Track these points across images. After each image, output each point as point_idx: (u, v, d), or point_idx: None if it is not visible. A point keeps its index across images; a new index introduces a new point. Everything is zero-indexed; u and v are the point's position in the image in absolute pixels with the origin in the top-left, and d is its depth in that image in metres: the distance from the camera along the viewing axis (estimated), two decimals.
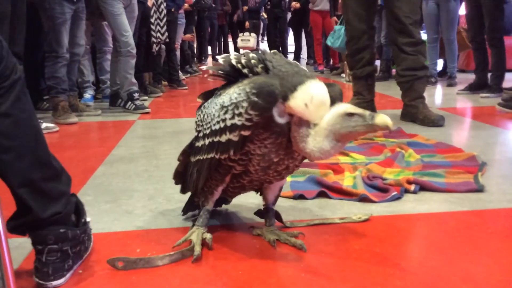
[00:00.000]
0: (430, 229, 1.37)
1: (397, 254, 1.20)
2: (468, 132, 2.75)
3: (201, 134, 1.24)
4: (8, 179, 1.03)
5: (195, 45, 8.40)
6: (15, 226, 1.06)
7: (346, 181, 1.72)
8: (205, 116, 1.23)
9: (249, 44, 10.21)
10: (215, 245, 1.25)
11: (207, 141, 1.20)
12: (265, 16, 10.93)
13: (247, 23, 10.18)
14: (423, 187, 1.65)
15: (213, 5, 9.00)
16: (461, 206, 1.50)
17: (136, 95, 3.77)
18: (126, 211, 1.53)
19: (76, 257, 1.12)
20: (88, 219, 1.23)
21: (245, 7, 10.22)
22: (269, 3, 9.71)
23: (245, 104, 1.09)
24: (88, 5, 3.52)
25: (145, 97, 4.49)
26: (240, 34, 10.34)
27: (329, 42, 5.73)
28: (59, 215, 1.06)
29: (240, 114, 1.10)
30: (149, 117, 3.54)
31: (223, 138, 1.14)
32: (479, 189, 1.63)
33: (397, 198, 1.56)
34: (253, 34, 10.04)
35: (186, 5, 6.46)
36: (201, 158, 1.23)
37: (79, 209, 1.19)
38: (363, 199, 1.55)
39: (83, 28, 3.52)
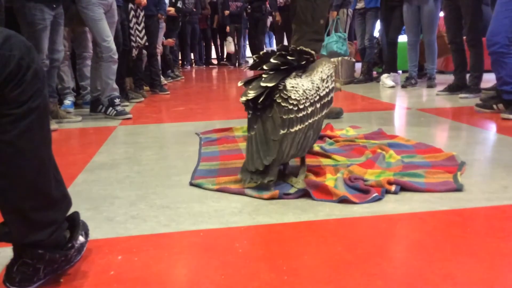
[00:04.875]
0: (411, 229, 1.39)
1: (378, 254, 1.21)
2: (448, 132, 2.79)
3: (308, 103, 1.72)
4: None
5: (178, 50, 8.38)
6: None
7: (328, 183, 1.72)
8: (306, 92, 1.72)
9: (230, 48, 10.27)
10: (197, 250, 1.25)
11: (318, 105, 1.76)
12: None
13: (227, 28, 10.21)
14: (403, 188, 1.66)
15: (194, 10, 8.99)
16: (441, 205, 1.52)
17: (117, 100, 3.74)
18: (107, 218, 1.51)
19: (48, 274, 1.09)
20: (80, 240, 1.19)
21: (227, 12, 10.24)
22: (249, 7, 9.72)
23: (333, 73, 1.85)
24: (67, 11, 3.49)
25: (126, 103, 4.46)
26: (229, 38, 10.40)
27: (335, 48, 5.76)
28: (40, 242, 1.03)
29: (333, 80, 1.84)
30: (130, 122, 3.52)
31: (330, 97, 1.81)
32: (459, 189, 1.65)
33: (378, 199, 1.58)
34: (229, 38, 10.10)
35: (172, 10, 6.46)
36: (315, 119, 1.75)
37: (74, 231, 1.16)
38: (343, 200, 1.56)
39: (62, 34, 3.49)
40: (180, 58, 9.50)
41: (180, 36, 8.45)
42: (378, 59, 6.22)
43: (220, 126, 3.06)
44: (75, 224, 1.17)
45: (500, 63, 3.08)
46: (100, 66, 3.67)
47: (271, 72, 1.72)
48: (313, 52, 1.82)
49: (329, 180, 1.74)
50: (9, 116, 0.94)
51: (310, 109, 1.72)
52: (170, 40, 6.81)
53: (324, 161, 2.04)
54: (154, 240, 1.33)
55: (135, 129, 3.22)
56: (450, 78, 4.81)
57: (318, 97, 1.75)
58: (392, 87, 5.28)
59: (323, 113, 1.79)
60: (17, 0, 3.09)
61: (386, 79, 5.38)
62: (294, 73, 1.76)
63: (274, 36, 10.76)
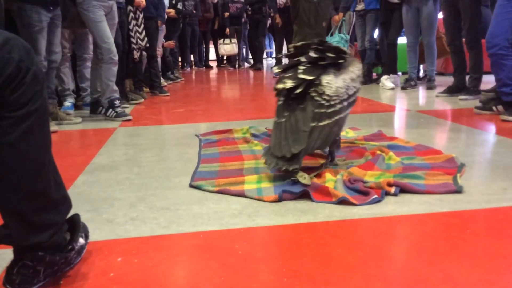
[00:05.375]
0: (411, 230, 1.39)
1: (378, 256, 1.21)
2: (447, 134, 2.79)
3: (338, 101, 1.80)
4: None
5: (178, 52, 8.37)
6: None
7: (327, 184, 1.72)
8: (338, 89, 1.79)
9: (230, 49, 10.25)
10: (196, 252, 1.25)
11: (346, 103, 1.84)
12: None
13: (227, 30, 10.22)
14: (403, 189, 1.66)
15: (194, 12, 8.99)
16: (440, 207, 1.52)
17: (117, 102, 3.74)
18: (107, 220, 1.51)
19: (48, 276, 1.09)
20: (80, 242, 1.19)
21: (227, 13, 10.25)
22: (250, 9, 9.73)
23: (361, 75, 1.93)
24: (68, 13, 3.49)
25: (126, 105, 4.46)
26: (220, 41, 10.38)
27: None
28: (41, 244, 1.04)
29: (360, 81, 1.92)
30: (130, 124, 3.52)
31: (355, 97, 1.90)
32: (458, 190, 1.65)
33: (378, 201, 1.58)
34: (234, 40, 10.09)
35: (172, 12, 6.47)
36: (341, 116, 1.84)
37: (75, 233, 1.16)
38: (343, 201, 1.57)
39: (59, 36, 3.49)
40: (180, 59, 9.51)
41: (180, 38, 8.46)
42: (376, 60, 6.22)
43: (220, 127, 3.06)
44: (75, 226, 1.17)
45: (499, 65, 3.08)
46: (100, 67, 3.68)
47: (308, 65, 1.80)
48: (349, 51, 1.90)
49: (329, 182, 1.74)
50: (9, 118, 0.94)
51: (338, 106, 1.80)
52: (170, 42, 6.81)
53: (324, 162, 2.04)
54: (154, 242, 1.33)
55: (135, 131, 3.22)
56: (449, 80, 4.81)
57: (347, 95, 1.83)
58: (392, 88, 5.28)
59: (348, 111, 1.88)
60: (14, 2, 3.10)
61: (386, 81, 5.39)
62: (330, 70, 1.83)
63: (273, 38, 10.75)
